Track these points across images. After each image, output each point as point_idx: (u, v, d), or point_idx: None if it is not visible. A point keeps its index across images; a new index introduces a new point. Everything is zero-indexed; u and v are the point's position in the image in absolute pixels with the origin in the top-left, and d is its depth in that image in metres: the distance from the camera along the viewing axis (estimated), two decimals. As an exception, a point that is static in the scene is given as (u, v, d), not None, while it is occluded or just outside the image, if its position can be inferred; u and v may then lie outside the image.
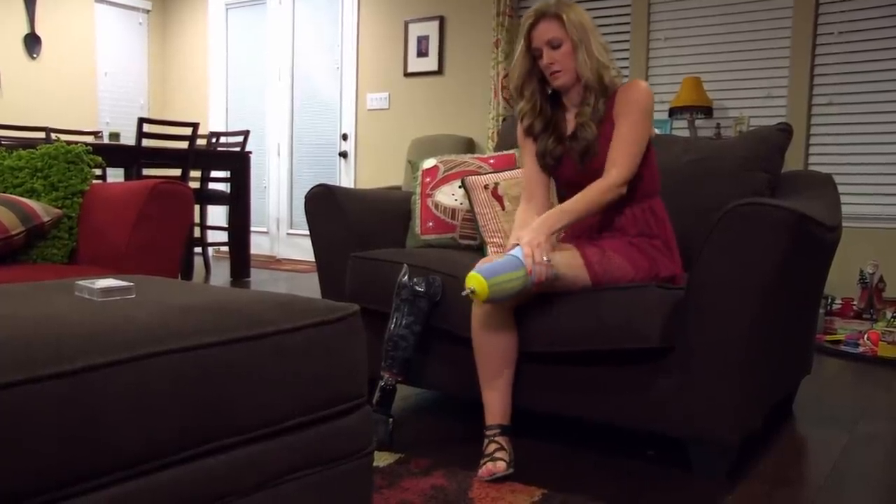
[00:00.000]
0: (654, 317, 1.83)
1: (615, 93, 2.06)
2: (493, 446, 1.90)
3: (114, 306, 1.20)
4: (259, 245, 6.57)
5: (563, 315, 1.93)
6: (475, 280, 1.76)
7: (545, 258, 1.83)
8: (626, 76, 4.86)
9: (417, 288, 2.09)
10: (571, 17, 2.01)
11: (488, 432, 1.94)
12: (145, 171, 4.66)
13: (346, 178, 6.23)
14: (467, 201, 2.54)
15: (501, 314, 1.95)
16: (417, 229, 2.64)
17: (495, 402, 1.96)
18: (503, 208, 2.45)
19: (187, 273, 4.96)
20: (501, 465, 1.85)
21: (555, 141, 2.12)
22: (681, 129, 4.59)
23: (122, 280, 1.41)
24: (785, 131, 2.45)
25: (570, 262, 1.93)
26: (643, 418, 1.92)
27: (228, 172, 5.36)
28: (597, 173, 2.02)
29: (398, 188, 3.15)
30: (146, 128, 4.72)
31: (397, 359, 2.10)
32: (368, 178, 6.01)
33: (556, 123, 2.13)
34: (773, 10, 4.44)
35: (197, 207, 5.64)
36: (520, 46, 2.10)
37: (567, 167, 2.13)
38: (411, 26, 5.78)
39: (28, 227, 2.42)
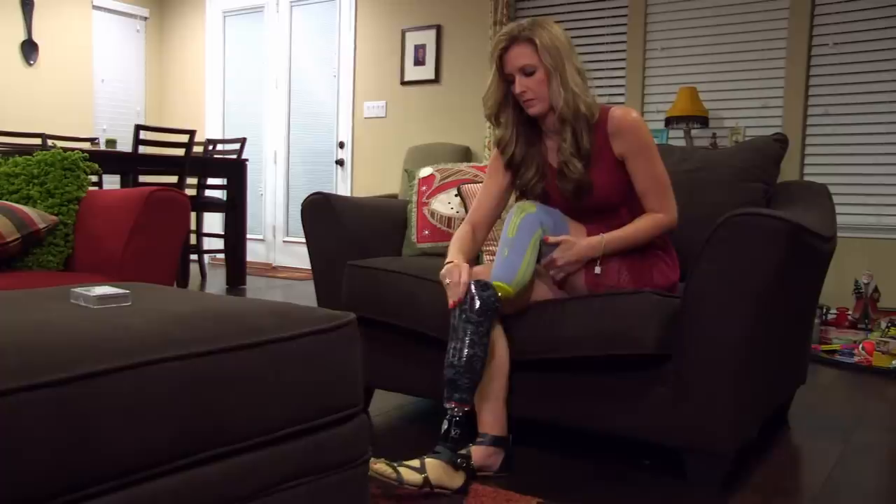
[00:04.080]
0: (650, 323, 1.84)
1: (604, 121, 1.96)
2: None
3: (109, 314, 1.20)
4: (255, 253, 6.56)
5: (559, 321, 1.94)
6: (501, 289, 1.86)
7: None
8: (623, 94, 4.88)
9: (491, 299, 1.86)
10: (545, 42, 1.89)
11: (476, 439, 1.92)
12: (142, 179, 4.67)
13: (342, 187, 6.23)
14: (463, 210, 2.54)
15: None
16: (413, 238, 2.64)
17: (485, 412, 1.94)
18: (499, 217, 2.45)
19: (183, 280, 4.95)
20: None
21: (536, 174, 2.04)
22: (677, 138, 4.60)
23: (118, 287, 1.41)
24: (780, 141, 2.46)
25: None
26: (639, 427, 1.92)
27: (225, 180, 5.36)
28: (596, 204, 2.00)
29: (395, 196, 3.15)
30: (143, 135, 4.72)
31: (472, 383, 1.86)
32: (365, 186, 6.02)
33: (534, 154, 2.05)
34: (769, 21, 4.47)
35: (193, 215, 5.64)
36: (492, 71, 1.98)
37: (556, 200, 2.06)
38: (408, 35, 5.79)
39: (24, 234, 2.41)
